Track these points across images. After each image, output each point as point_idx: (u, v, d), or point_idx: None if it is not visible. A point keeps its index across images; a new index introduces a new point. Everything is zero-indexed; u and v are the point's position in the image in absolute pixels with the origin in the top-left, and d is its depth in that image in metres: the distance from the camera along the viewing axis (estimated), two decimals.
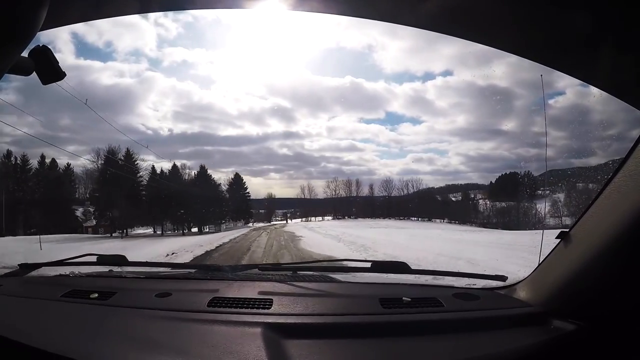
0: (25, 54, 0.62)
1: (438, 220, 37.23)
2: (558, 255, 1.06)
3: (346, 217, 43.41)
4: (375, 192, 44.97)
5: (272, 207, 47.12)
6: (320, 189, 45.58)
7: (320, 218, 44.40)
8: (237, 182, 44.41)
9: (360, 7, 0.93)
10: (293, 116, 47.97)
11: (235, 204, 42.60)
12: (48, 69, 0.69)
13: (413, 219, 39.09)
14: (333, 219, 43.55)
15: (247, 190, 44.10)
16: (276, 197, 46.11)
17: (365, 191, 44.40)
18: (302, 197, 46.20)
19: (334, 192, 45.28)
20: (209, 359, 0.81)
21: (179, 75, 46.88)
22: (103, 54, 38.35)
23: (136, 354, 0.82)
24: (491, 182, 35.40)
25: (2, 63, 0.53)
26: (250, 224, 42.14)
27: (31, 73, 0.67)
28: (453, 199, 39.48)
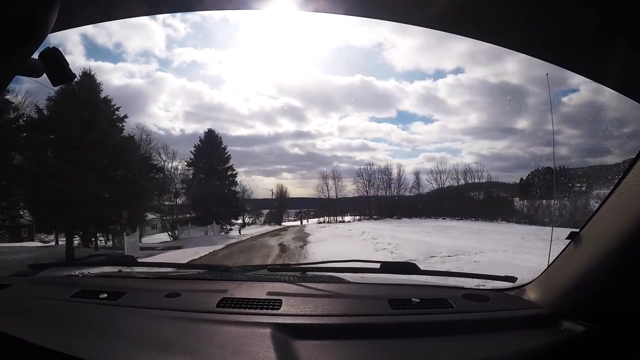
0: (35, 55, 0.63)
1: (503, 222, 29.51)
2: (568, 256, 1.05)
3: (386, 218, 33.54)
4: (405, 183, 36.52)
5: (284, 205, 38.16)
6: (338, 185, 37.94)
7: (339, 218, 36.51)
8: (209, 146, 26.01)
9: (368, 7, 0.93)
10: (304, 115, 47.19)
11: (203, 190, 24.09)
12: (58, 70, 0.70)
13: (471, 219, 30.69)
14: (368, 219, 34.69)
15: (230, 164, 26.91)
16: (289, 194, 37.70)
17: (406, 183, 36.53)
18: (324, 191, 36.85)
19: (367, 184, 36.54)
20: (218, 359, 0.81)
21: (189, 75, 46.83)
22: (113, 55, 38.23)
23: (146, 354, 0.82)
24: (522, 178, 30.87)
25: (14, 65, 0.54)
26: (236, 232, 24.03)
27: (41, 75, 0.67)
28: (474, 197, 34.96)
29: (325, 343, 0.89)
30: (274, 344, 0.86)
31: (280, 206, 38.71)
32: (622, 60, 0.84)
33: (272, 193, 38.36)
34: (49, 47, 0.68)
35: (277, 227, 32.70)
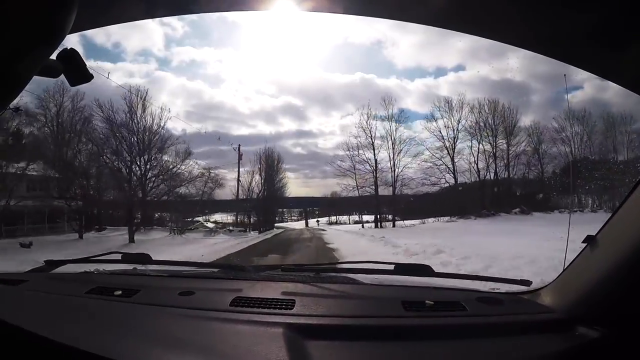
0: (53, 56, 0.63)
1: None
2: (584, 260, 1.03)
3: (499, 214, 22.25)
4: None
5: (277, 197, 28.79)
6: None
7: (352, 218, 27.92)
8: None
9: (366, 4, 0.92)
10: (305, 114, 46.05)
11: None
12: (76, 71, 0.70)
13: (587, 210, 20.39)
14: (435, 220, 23.25)
15: None
16: (290, 189, 30.36)
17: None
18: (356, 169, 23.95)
19: (452, 145, 22.34)
20: (231, 358, 0.81)
21: (189, 74, 45.96)
22: (112, 55, 37.65)
23: (159, 352, 0.83)
24: (555, 171, 25.45)
25: (33, 65, 0.54)
26: None
27: (59, 75, 0.67)
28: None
29: (337, 344, 0.89)
30: (287, 343, 0.86)
31: (269, 199, 24.29)
32: (629, 55, 0.81)
33: (239, 154, 22.02)
34: (66, 47, 0.68)
35: (257, 239, 17.43)
